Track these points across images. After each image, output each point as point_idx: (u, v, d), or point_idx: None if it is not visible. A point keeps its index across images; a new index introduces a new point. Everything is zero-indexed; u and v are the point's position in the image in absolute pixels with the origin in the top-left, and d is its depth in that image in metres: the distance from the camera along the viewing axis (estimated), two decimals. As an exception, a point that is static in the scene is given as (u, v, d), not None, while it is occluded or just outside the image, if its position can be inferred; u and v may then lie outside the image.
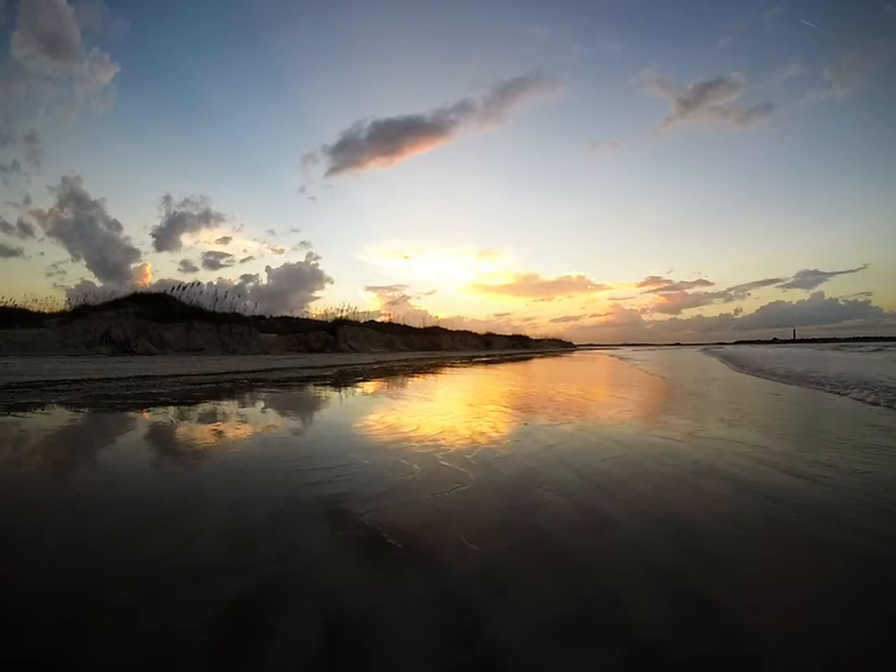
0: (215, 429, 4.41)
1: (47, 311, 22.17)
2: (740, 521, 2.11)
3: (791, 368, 11.91)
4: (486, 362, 22.79)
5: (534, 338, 71.59)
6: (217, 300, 25.97)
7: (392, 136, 79.44)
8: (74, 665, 1.23)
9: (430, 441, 3.87)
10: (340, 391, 8.63)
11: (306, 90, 78.80)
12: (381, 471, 2.95)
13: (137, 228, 75.17)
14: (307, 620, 1.40)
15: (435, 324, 45.97)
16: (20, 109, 50.93)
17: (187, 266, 52.06)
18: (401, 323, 41.35)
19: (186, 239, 61.77)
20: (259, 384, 9.24)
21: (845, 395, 6.61)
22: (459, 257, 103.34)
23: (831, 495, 2.44)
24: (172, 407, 5.94)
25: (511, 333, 63.78)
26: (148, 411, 5.59)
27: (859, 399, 6.10)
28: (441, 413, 5.73)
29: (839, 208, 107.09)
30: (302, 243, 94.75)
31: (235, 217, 75.79)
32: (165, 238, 60.64)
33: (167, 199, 64.25)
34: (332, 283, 60.76)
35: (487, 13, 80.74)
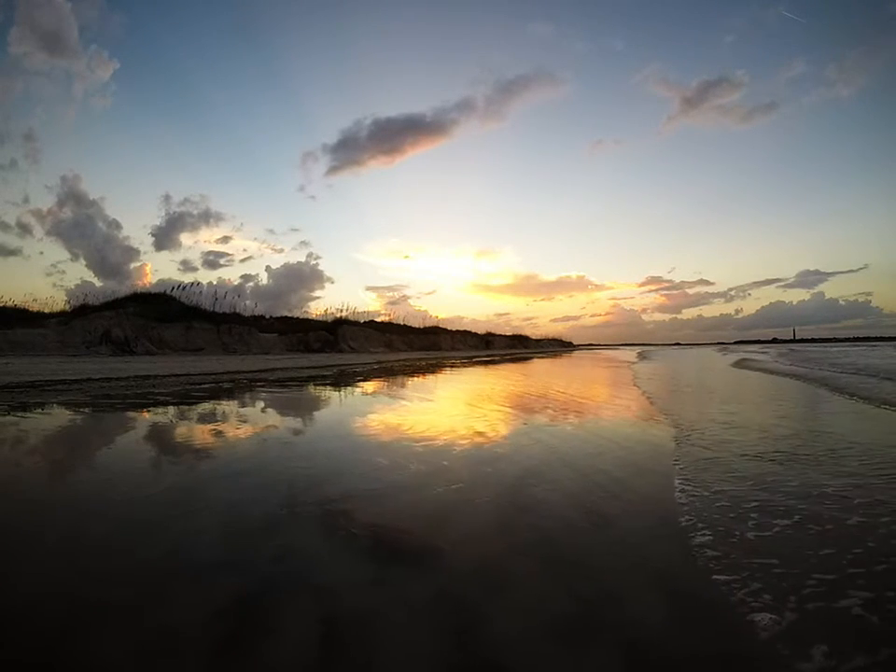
0: (214, 429, 4.42)
1: (46, 311, 22.18)
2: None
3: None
4: (486, 362, 22.78)
5: (534, 338, 71.61)
6: (216, 299, 26.00)
7: (392, 135, 78.95)
8: (74, 665, 1.23)
9: (430, 440, 3.88)
10: (340, 391, 8.63)
11: (306, 88, 78.96)
12: (380, 470, 2.96)
13: (137, 227, 75.59)
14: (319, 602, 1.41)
15: (435, 324, 45.97)
16: (18, 107, 50.98)
17: (186, 266, 52.16)
18: (401, 323, 41.37)
19: (185, 238, 61.84)
20: (259, 384, 9.24)
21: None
22: (459, 256, 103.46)
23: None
24: (172, 407, 5.95)
25: (511, 333, 63.83)
26: (148, 411, 5.59)
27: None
28: (441, 412, 5.74)
29: (839, 208, 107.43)
30: (302, 242, 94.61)
31: (235, 217, 75.58)
32: (165, 237, 60.98)
33: (167, 198, 64.47)
34: (332, 283, 60.86)
35: (489, 10, 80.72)
